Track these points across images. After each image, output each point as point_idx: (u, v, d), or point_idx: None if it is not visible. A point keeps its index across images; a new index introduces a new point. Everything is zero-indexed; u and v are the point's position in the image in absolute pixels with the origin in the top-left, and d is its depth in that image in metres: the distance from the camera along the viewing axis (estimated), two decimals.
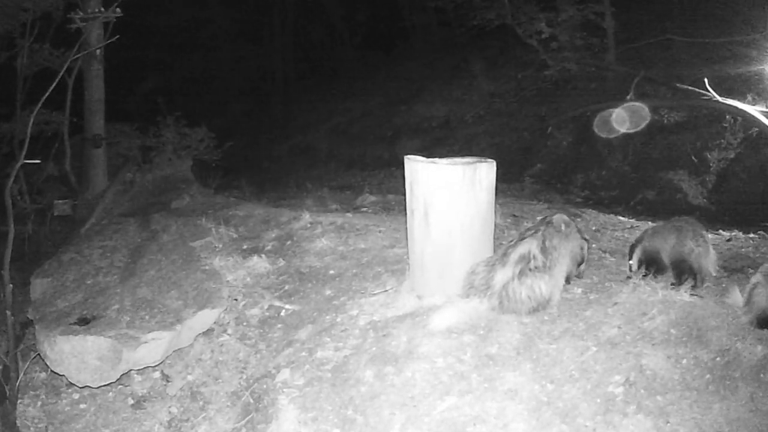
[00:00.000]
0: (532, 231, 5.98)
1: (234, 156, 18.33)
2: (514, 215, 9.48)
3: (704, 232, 6.43)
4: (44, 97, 7.96)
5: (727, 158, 13.88)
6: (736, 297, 5.84)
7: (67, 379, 6.37)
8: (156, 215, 10.21)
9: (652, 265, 6.52)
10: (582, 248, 6.38)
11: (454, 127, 20.73)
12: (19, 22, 13.60)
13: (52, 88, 7.93)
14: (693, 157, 14.17)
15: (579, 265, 6.43)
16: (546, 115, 18.51)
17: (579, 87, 18.64)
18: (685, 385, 4.71)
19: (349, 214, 9.78)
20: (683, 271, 6.21)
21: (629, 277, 6.53)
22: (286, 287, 7.35)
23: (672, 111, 15.62)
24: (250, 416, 5.61)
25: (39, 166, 13.07)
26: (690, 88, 14.41)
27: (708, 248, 6.25)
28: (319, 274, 7.48)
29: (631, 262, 6.58)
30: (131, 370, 6.40)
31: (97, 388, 6.40)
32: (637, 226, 8.99)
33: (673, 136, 15.17)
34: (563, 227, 6.06)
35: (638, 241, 6.64)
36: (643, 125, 15.12)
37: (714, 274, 6.30)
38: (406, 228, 6.44)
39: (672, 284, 6.14)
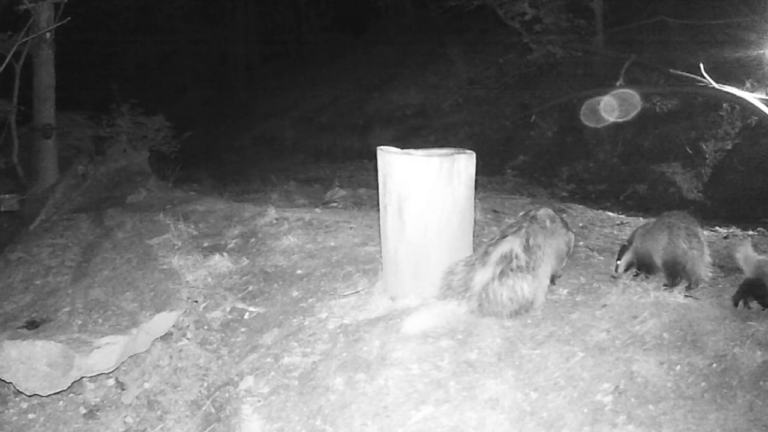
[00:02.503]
0: (515, 228, 5.94)
1: (194, 147, 18.33)
2: (495, 211, 9.50)
3: (698, 230, 6.41)
4: None
5: (724, 149, 13.98)
6: (747, 250, 5.93)
7: (14, 386, 6.30)
8: (110, 211, 10.16)
9: (643, 268, 6.55)
10: (568, 244, 6.40)
11: (431, 115, 20.82)
12: None
13: None
14: (687, 148, 14.27)
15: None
16: (529, 102, 18.61)
17: (565, 72, 18.73)
18: (679, 394, 4.72)
19: (317, 210, 9.77)
20: (676, 274, 6.22)
21: (614, 277, 6.57)
22: (250, 288, 7.33)
23: (665, 98, 15.72)
24: (211, 427, 5.59)
25: None
26: (684, 73, 14.52)
27: (702, 249, 6.22)
28: (286, 274, 7.46)
29: (618, 262, 6.60)
30: (83, 377, 6.34)
31: (47, 396, 6.34)
32: (627, 222, 9.04)
33: (665, 126, 15.28)
34: (548, 223, 6.06)
35: (629, 242, 6.65)
36: (633, 114, 15.22)
37: (707, 278, 6.32)
38: (379, 224, 6.43)
39: (664, 285, 6.15)
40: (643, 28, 17.37)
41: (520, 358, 5.27)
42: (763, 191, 12.32)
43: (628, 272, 6.61)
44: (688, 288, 6.08)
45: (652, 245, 6.39)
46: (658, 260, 6.37)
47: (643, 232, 6.60)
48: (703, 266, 6.18)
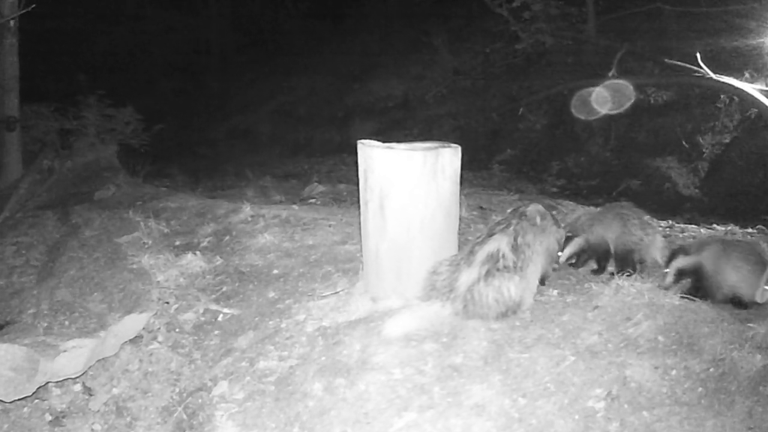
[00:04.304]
0: (503, 225, 5.91)
1: (165, 140, 18.23)
2: (482, 207, 9.52)
3: (648, 217, 6.79)
4: None
5: (722, 143, 14.04)
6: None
7: None
8: (77, 207, 10.15)
9: (602, 257, 6.75)
10: (559, 242, 6.41)
11: (414, 107, 20.82)
12: None
13: None
14: (683, 142, 14.32)
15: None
16: (517, 94, 18.61)
17: (554, 62, 18.73)
18: (675, 399, 4.73)
19: (295, 206, 9.76)
20: (628, 263, 6.47)
21: (555, 270, 6.68)
22: (225, 289, 7.31)
23: (660, 90, 15.76)
24: None
25: None
26: (680, 63, 14.54)
27: (655, 237, 6.62)
28: (262, 273, 7.45)
29: (560, 253, 6.69)
30: (49, 382, 6.30)
31: (11, 402, 6.26)
32: None
33: (660, 118, 15.32)
34: (538, 219, 6.06)
35: (574, 232, 6.82)
36: (626, 106, 15.23)
37: (662, 261, 6.50)
38: (360, 222, 6.42)
39: (659, 285, 6.18)
40: (637, 15, 17.39)
41: (508, 363, 5.26)
42: (763, 187, 12.35)
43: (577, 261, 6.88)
44: (629, 275, 6.20)
45: (605, 233, 6.57)
46: (611, 247, 6.55)
47: (590, 220, 6.75)
48: (657, 250, 6.54)
